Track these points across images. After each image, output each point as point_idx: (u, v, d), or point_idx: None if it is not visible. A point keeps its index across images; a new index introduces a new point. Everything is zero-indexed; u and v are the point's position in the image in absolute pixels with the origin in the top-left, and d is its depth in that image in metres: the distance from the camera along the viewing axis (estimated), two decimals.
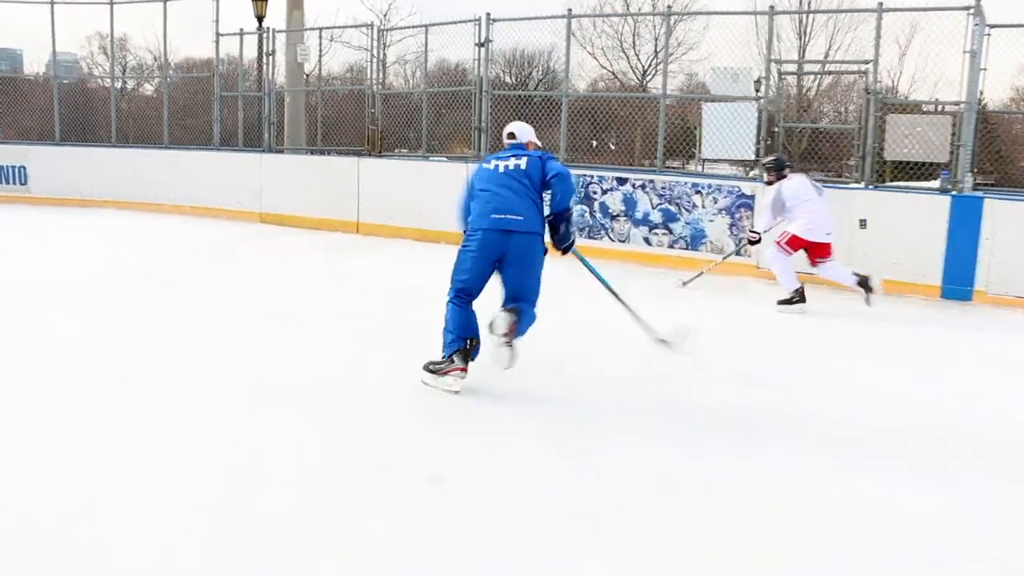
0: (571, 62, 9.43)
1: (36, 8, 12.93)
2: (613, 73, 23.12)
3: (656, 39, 23.18)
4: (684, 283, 7.48)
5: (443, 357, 4.15)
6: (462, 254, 4.22)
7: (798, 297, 6.68)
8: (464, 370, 4.10)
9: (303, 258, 8.70)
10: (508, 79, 21.63)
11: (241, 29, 11.98)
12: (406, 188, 10.07)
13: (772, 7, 7.99)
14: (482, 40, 9.52)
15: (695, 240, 8.38)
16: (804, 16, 18.68)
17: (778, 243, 6.71)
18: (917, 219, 7.51)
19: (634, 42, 23.18)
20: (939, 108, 8.51)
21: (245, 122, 12.13)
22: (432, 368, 4.19)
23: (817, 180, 7.20)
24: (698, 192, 8.34)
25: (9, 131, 14.05)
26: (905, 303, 7.27)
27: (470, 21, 9.52)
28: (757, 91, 8.40)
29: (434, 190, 9.79)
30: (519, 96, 9.78)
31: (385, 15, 24.93)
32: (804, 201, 6.62)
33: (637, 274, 7.97)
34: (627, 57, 23.29)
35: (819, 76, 17.61)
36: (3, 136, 13.71)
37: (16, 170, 13.01)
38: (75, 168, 12.69)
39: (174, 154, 12.36)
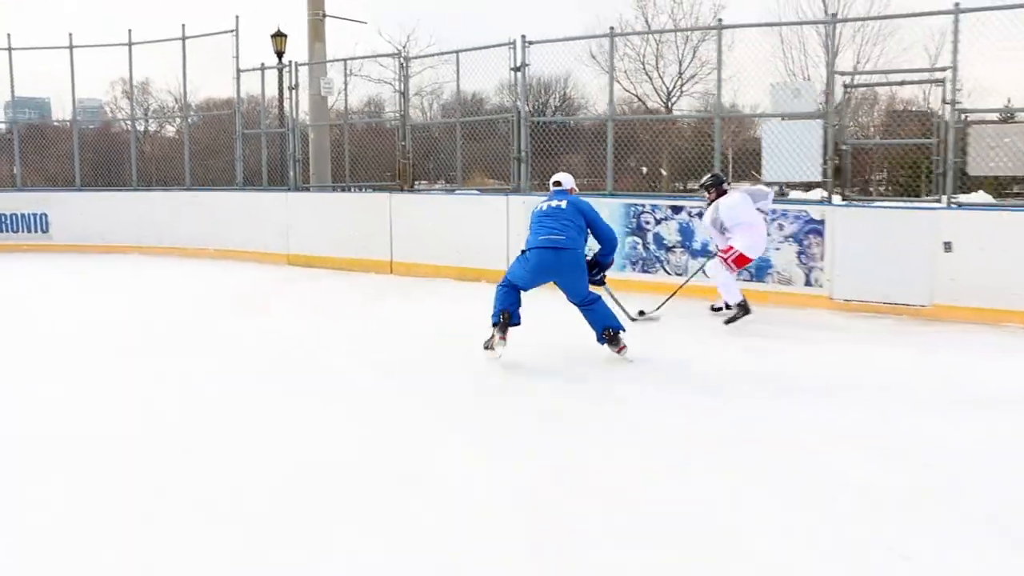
0: (592, 87, 8.93)
1: (62, 54, 12.58)
2: (637, 96, 22.67)
3: (680, 60, 22.83)
4: (644, 314, 6.56)
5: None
6: (517, 265, 5.49)
7: (742, 311, 6.46)
8: (503, 338, 5.26)
9: (338, 308, 8.11)
10: (525, 107, 21.19)
11: (262, 64, 11.54)
12: (441, 224, 9.47)
13: (834, 15, 7.36)
14: (518, 64, 8.96)
15: (760, 271, 7.69)
16: (832, 28, 18.08)
17: (724, 258, 6.53)
18: (1011, 239, 6.79)
19: (657, 64, 22.79)
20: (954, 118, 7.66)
21: (268, 160, 11.65)
22: (485, 345, 5.36)
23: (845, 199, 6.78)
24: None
25: (36, 177, 13.79)
26: (1001, 332, 6.54)
27: (504, 45, 8.96)
28: (822, 105, 7.74)
29: (472, 225, 9.21)
30: (535, 123, 9.09)
31: (404, 47, 24.66)
32: (739, 223, 6.52)
33: (699, 311, 7.28)
34: (650, 79, 22.89)
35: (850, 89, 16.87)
36: (28, 183, 13.42)
37: (37, 217, 12.66)
38: (96, 214, 12.31)
39: (196, 195, 11.92)
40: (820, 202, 7.65)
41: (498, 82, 15.92)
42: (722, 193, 6.68)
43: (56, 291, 9.09)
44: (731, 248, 6.50)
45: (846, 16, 10.01)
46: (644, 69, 22.39)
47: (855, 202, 7.66)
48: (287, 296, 8.52)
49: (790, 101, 7.70)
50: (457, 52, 9.43)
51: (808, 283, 7.51)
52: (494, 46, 9.10)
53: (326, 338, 6.48)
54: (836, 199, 7.65)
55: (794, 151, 7.70)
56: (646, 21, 23.39)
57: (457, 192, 10.27)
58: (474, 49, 9.31)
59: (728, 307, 6.73)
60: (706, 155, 8.33)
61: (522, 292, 5.44)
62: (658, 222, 8.13)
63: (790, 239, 7.56)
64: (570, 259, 5.31)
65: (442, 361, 5.57)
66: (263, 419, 4.33)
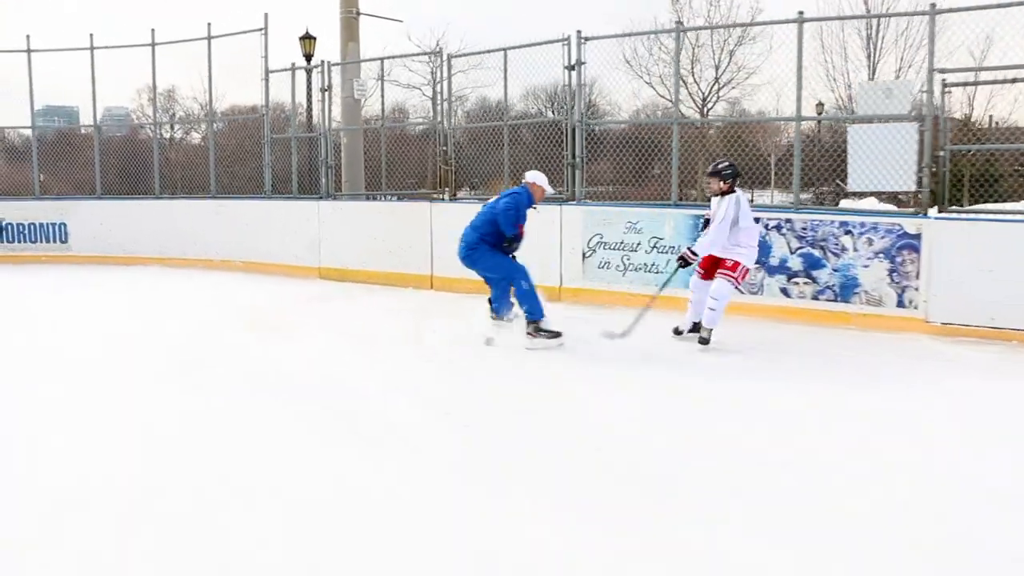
0: (624, 91, 8.24)
1: (85, 61, 12.01)
2: (671, 101, 21.96)
3: (717, 66, 22.15)
4: (620, 334, 6.12)
5: None
6: None
7: (709, 337, 6.08)
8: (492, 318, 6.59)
9: (375, 327, 7.37)
10: (551, 113, 20.66)
11: (292, 64, 10.89)
12: None
13: (933, 5, 6.58)
14: (572, 62, 8.22)
15: (845, 290, 6.91)
16: (932, 20, 17.25)
17: (730, 276, 6.01)
18: None
19: (692, 68, 22.16)
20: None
21: (298, 167, 10.99)
22: None
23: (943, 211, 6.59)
24: (848, 232, 6.89)
25: (63, 186, 13.35)
26: None
27: (558, 41, 8.23)
28: (916, 110, 6.95)
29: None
30: (566, 128, 8.35)
31: (435, 51, 24.08)
32: (749, 226, 6.05)
33: (771, 335, 6.54)
34: (685, 84, 22.27)
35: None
36: (54, 191, 12.93)
37: (56, 227, 12.12)
38: (117, 224, 11.75)
39: (222, 204, 11.29)
40: (915, 214, 6.85)
41: (523, 88, 15.23)
42: (732, 188, 6.07)
43: (71, 304, 8.56)
44: (738, 264, 6.02)
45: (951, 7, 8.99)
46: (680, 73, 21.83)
47: (957, 214, 6.84)
48: (320, 314, 7.82)
49: (881, 102, 6.91)
50: (505, 49, 8.67)
51: (901, 304, 6.72)
52: (546, 42, 8.36)
53: (358, 362, 5.88)
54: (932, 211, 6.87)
55: (885, 158, 6.91)
56: (682, 25, 22.76)
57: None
58: (524, 46, 8.55)
59: (692, 330, 6.28)
60: (753, 160, 7.57)
61: (504, 285, 6.45)
62: None
63: (880, 255, 6.77)
64: (467, 251, 6.38)
65: (476, 389, 5.20)
66: (274, 442, 4.11)
